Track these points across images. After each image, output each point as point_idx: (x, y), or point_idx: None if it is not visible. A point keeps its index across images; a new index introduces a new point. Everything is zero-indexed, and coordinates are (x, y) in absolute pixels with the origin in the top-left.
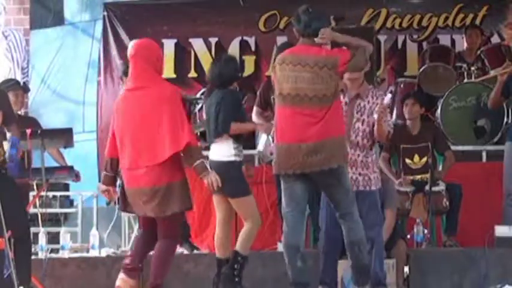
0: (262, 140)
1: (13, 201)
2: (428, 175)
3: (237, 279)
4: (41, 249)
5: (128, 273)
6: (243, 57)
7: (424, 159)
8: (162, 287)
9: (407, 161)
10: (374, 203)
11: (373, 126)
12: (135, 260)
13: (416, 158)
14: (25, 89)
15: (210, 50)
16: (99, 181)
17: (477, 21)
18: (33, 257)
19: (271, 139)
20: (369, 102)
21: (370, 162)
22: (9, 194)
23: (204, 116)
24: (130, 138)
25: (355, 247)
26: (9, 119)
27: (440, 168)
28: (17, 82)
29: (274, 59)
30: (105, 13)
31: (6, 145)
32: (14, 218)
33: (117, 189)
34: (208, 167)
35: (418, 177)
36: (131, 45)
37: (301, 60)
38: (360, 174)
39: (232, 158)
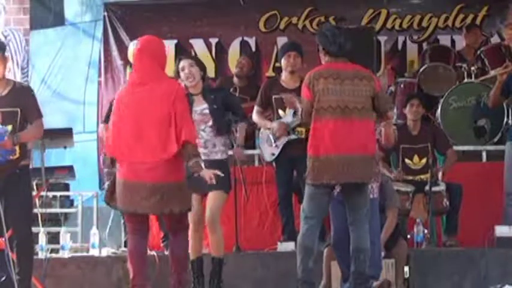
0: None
1: (20, 202)
2: (428, 175)
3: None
4: (41, 249)
5: None
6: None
7: (424, 160)
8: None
9: (407, 161)
10: (375, 210)
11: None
12: (143, 276)
13: (416, 158)
14: None
15: (210, 51)
16: (99, 181)
17: (477, 22)
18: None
19: (272, 139)
20: None
21: None
22: (19, 194)
23: None
24: (134, 132)
25: (360, 255)
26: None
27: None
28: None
29: (276, 60)
30: (106, 13)
31: None
32: (16, 220)
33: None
34: (203, 166)
35: (418, 177)
36: (136, 41)
37: (340, 74)
38: None
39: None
